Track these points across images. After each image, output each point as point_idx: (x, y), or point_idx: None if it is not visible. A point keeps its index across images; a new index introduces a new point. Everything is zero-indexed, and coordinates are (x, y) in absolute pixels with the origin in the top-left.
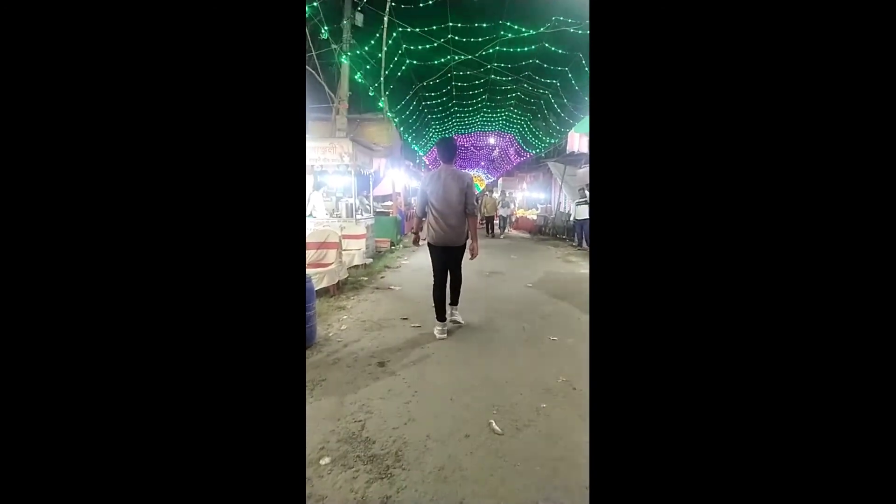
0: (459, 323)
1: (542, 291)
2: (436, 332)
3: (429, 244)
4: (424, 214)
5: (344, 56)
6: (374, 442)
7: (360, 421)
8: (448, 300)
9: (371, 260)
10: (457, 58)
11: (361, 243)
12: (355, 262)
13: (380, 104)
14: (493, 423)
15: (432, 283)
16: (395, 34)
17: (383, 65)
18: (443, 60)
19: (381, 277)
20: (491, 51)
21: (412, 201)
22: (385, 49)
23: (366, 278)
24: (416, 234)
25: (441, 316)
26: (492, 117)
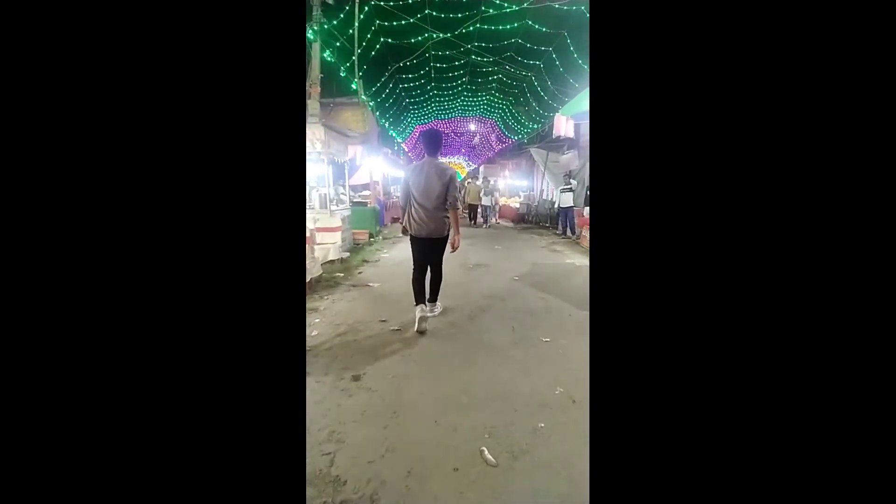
0: (435, 312)
1: (529, 285)
2: (416, 313)
3: (410, 235)
4: (408, 205)
5: (311, 31)
6: (344, 482)
7: (328, 454)
8: (427, 295)
9: (348, 254)
10: (435, 36)
11: (337, 236)
12: (330, 257)
13: (353, 86)
14: (486, 452)
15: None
16: (367, 8)
17: (356, 42)
18: (420, 39)
19: (359, 273)
20: (472, 28)
21: (392, 190)
22: (357, 25)
23: (342, 274)
24: (404, 225)
25: (419, 299)
26: (473, 101)
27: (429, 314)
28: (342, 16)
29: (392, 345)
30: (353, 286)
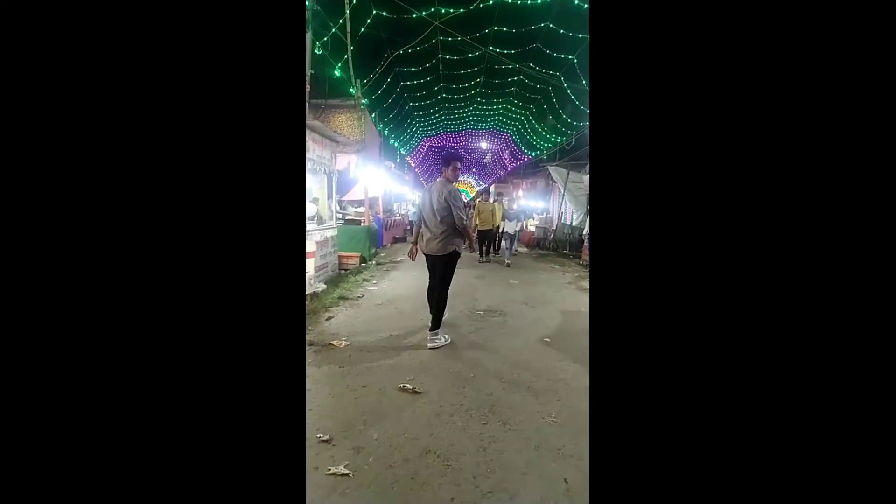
0: (437, 344)
1: (567, 355)
2: (427, 340)
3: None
4: (419, 224)
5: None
6: None
7: None
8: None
9: (323, 286)
10: (444, 11)
11: (310, 264)
12: None
13: (336, 71)
14: None
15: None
16: None
17: (346, 3)
18: (424, 14)
19: (327, 319)
20: (490, 2)
21: (394, 207)
22: None
23: None
24: (414, 244)
25: (436, 322)
26: (488, 109)
27: (429, 345)
28: None
29: None
30: (311, 344)
